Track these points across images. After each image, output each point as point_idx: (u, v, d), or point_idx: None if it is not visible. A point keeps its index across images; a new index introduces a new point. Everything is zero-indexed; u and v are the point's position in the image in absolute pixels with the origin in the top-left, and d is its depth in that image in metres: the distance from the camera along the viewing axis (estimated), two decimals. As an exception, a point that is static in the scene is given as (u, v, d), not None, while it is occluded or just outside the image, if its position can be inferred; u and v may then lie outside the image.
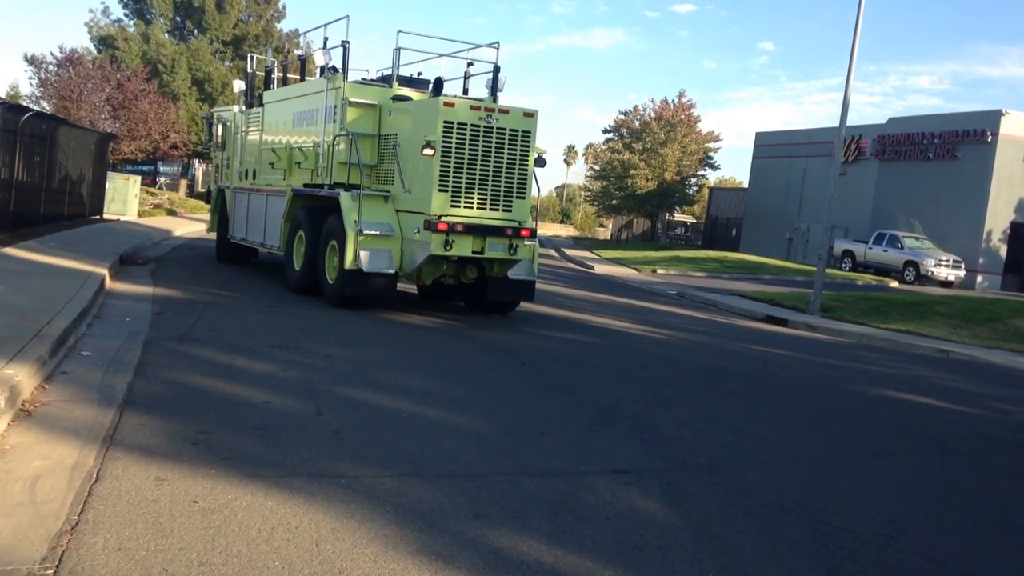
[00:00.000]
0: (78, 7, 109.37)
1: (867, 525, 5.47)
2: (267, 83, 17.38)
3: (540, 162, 12.76)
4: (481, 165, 12.08)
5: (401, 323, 12.11)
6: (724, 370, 11.27)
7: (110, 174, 28.33)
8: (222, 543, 4.21)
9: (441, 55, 14.80)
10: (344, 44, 13.67)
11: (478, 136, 12.01)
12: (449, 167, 11.88)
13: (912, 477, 6.85)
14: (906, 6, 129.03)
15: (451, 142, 11.85)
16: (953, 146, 37.26)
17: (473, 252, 12.12)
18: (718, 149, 65.35)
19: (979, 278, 35.37)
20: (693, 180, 57.42)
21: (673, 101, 54.29)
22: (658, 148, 52.03)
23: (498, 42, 14.06)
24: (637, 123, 54.37)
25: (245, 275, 16.33)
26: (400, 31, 14.08)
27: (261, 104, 16.98)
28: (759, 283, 28.28)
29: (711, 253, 40.20)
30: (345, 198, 12.60)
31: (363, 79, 14.60)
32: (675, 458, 6.61)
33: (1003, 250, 36.26)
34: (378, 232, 12.39)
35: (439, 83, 14.13)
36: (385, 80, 14.32)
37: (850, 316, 19.27)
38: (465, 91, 14.72)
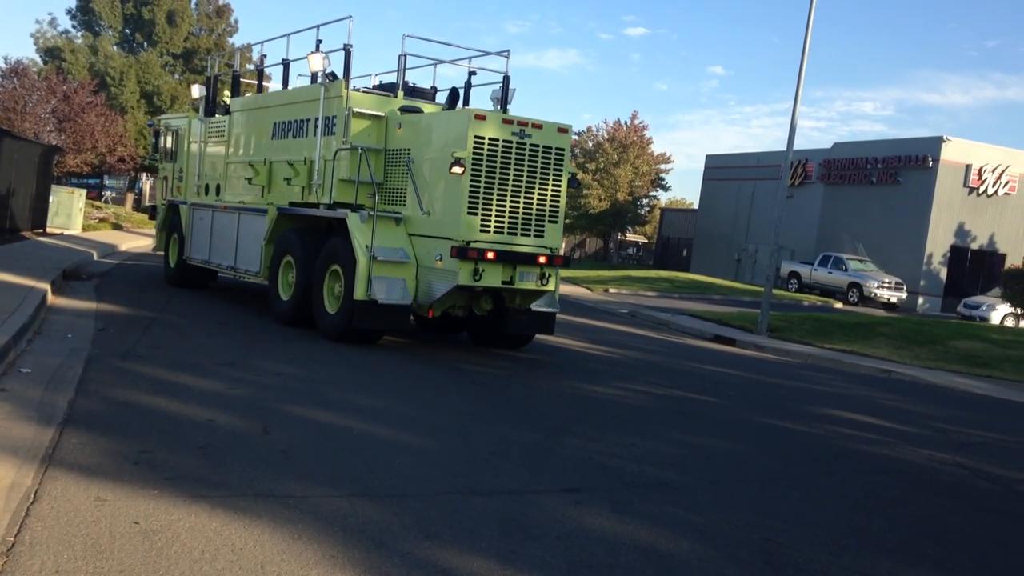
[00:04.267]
0: (24, 18, 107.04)
1: (812, 543, 5.55)
2: (235, 90, 16.23)
3: (573, 182, 11.77)
4: (512, 185, 11.01)
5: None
6: (673, 389, 11.37)
7: (54, 187, 27.70)
8: (164, 565, 4.12)
9: (438, 62, 13.73)
10: (346, 48, 12.35)
11: (510, 153, 10.94)
12: (479, 187, 10.77)
13: (856, 495, 6.97)
14: (851, 34, 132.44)
15: (482, 159, 10.76)
16: (896, 171, 38.24)
17: (502, 282, 11.02)
18: (670, 170, 66.22)
19: (920, 300, 36.28)
20: (645, 201, 58.18)
21: (626, 122, 55.03)
22: (611, 168, 52.62)
23: (508, 51, 12.87)
24: (590, 143, 54.96)
25: (194, 291, 16.06)
26: (406, 35, 12.75)
27: (227, 112, 15.72)
28: (708, 303, 28.63)
29: (662, 273, 40.64)
30: (354, 219, 11.36)
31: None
32: (625, 476, 6.64)
33: (943, 273, 37.24)
34: (394, 259, 11.22)
35: (455, 94, 13.04)
36: (387, 89, 13.16)
37: (796, 336, 19.59)
38: (466, 102, 13.57)
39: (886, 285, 34.20)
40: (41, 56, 49.84)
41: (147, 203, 50.64)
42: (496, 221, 10.96)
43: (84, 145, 38.24)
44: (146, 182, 53.55)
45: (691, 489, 6.56)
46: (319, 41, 12.81)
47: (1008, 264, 34.39)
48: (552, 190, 11.33)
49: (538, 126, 11.15)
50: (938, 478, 7.97)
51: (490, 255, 10.76)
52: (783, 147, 21.95)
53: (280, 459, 6.02)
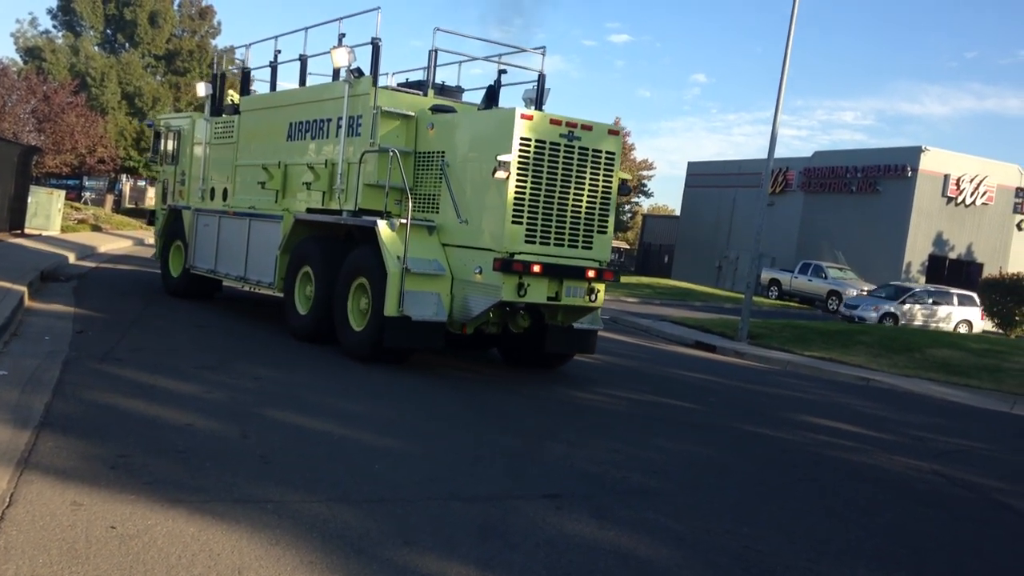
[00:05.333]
0: (4, 17, 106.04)
1: (790, 550, 5.58)
2: (244, 88, 15.19)
3: (624, 189, 10.93)
4: (560, 192, 10.10)
5: (333, 345, 11.93)
6: (655, 395, 11.41)
7: (33, 188, 27.42)
8: (140, 570, 4.09)
9: (470, 58, 13.01)
10: (374, 41, 11.45)
11: (557, 157, 10.03)
12: (524, 194, 9.85)
13: (833, 503, 7.01)
14: (832, 44, 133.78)
15: (528, 163, 9.82)
16: (875, 180, 38.60)
17: (548, 298, 10.13)
18: (652, 177, 66.83)
19: (899, 308, 36.56)
20: (627, 207, 58.40)
21: (608, 129, 55.23)
22: (593, 175, 52.85)
23: (544, 47, 12.12)
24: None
25: (175, 295, 15.91)
26: (437, 29, 11.78)
27: (235, 111, 14.75)
28: (690, 309, 28.76)
29: (644, 279, 40.81)
30: (384, 228, 10.43)
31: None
32: (605, 482, 6.65)
33: (922, 281, 37.57)
34: (429, 271, 10.26)
35: (492, 92, 12.28)
36: (414, 87, 12.31)
37: (776, 343, 19.70)
38: (496, 102, 12.59)
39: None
40: (21, 56, 49.50)
41: (128, 204, 50.40)
42: (542, 231, 10.05)
43: (64, 146, 37.95)
44: (126, 183, 53.27)
45: (671, 496, 6.58)
46: (342, 35, 11.92)
47: (985, 273, 34.76)
48: (602, 197, 10.46)
49: (588, 127, 10.29)
50: (915, 486, 8.03)
51: (536, 268, 9.85)
52: (764, 155, 22.08)
53: (259, 464, 5.99)
